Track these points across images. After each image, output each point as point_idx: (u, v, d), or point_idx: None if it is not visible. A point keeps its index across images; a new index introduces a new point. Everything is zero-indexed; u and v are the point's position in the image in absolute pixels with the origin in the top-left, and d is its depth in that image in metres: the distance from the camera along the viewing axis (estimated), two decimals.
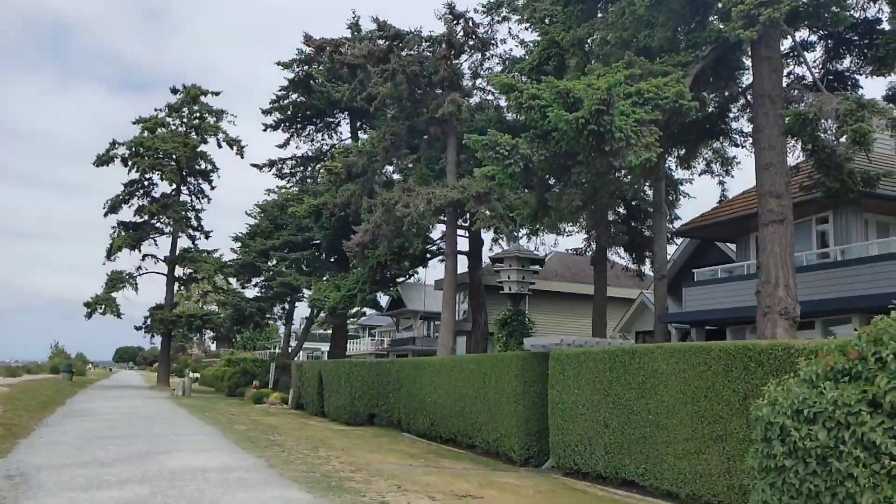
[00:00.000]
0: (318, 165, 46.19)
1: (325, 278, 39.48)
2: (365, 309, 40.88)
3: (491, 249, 33.37)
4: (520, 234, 27.78)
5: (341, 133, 47.24)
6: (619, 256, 33.84)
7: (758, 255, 15.43)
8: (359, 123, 44.98)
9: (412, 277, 37.73)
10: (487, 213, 23.84)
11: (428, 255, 35.11)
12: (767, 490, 8.15)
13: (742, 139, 18.45)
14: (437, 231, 34.27)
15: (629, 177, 14.90)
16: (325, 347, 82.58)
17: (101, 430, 18.56)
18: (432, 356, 23.77)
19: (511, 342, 21.65)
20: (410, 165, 27.92)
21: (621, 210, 28.94)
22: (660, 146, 14.16)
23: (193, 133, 54.82)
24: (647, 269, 34.03)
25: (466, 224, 30.37)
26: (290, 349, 54.48)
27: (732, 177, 21.07)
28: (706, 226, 24.17)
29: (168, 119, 55.14)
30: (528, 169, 14.68)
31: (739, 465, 10.02)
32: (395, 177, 33.77)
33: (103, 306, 50.96)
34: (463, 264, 32.53)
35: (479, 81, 29.36)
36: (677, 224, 28.38)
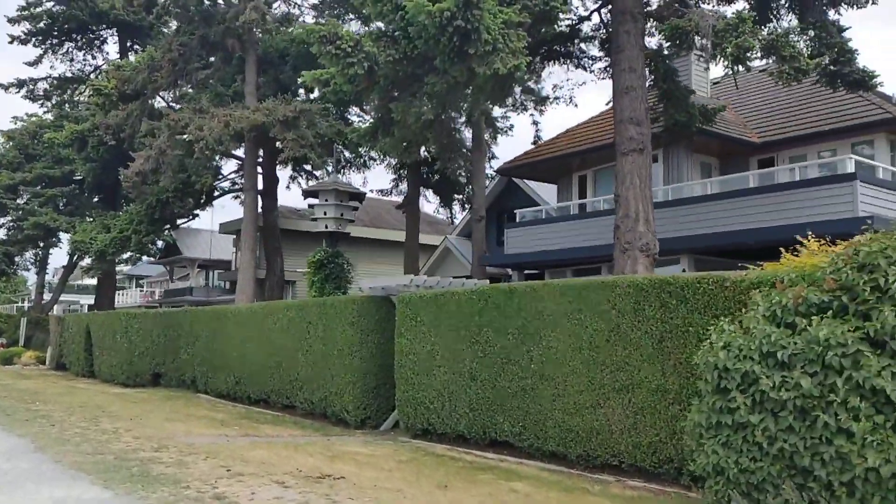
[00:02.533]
0: (82, 87, 39.79)
1: (89, 219, 34.04)
2: (135, 255, 35.83)
3: (288, 188, 30.25)
4: (331, 169, 25.02)
5: (107, 53, 41.08)
6: (426, 200, 32.24)
7: (615, 188, 14.13)
8: (129, 43, 39.17)
9: (195, 218, 33.52)
10: (296, 140, 20.84)
11: (216, 193, 31.20)
12: (720, 451, 6.55)
13: (590, 63, 17.08)
14: (229, 165, 30.54)
15: (481, 92, 12.83)
16: (86, 300, 74.31)
17: None
18: (229, 305, 20.61)
19: (327, 287, 19.10)
20: (199, 85, 23.89)
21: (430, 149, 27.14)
22: (528, 53, 12.22)
23: None
24: (456, 213, 32.79)
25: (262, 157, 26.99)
26: (43, 302, 47.55)
27: (541, 115, 19.79)
28: (531, 163, 22.94)
29: None
30: (372, 73, 12.11)
31: (651, 420, 8.48)
32: (170, 106, 29.37)
33: None
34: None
35: None
36: (495, 165, 27.09)
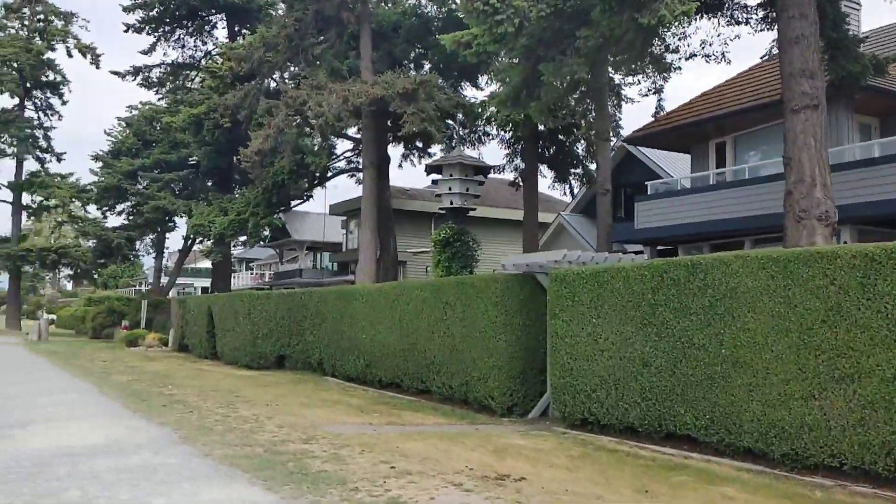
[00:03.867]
0: (193, 73, 40.39)
1: (204, 202, 34.42)
2: (252, 238, 36.06)
3: (400, 167, 29.48)
4: (453, 143, 24.10)
5: (216, 38, 41.41)
6: (541, 175, 30.96)
7: (785, 150, 12.58)
8: (238, 27, 39.34)
9: (309, 200, 33.34)
10: (416, 113, 19.97)
11: (328, 174, 30.86)
12: None
13: (745, 15, 15.41)
14: (341, 145, 30.11)
15: (631, 48, 11.53)
16: (199, 283, 76.76)
17: None
18: (356, 285, 20.03)
19: (454, 265, 18.23)
20: (317, 61, 23.31)
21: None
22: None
23: (38, 38, 46.98)
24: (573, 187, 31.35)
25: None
26: (161, 285, 48.92)
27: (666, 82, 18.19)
28: (660, 132, 21.35)
29: (5, 21, 46.93)
30: (521, 30, 10.99)
31: (885, 416, 7.11)
32: (286, 83, 29.07)
33: None
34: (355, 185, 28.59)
35: None
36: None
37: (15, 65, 44.70)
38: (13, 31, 46.92)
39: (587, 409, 10.56)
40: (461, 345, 13.16)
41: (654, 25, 10.58)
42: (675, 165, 28.85)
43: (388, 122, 25.31)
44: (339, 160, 30.09)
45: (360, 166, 28.42)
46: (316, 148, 25.73)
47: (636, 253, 21.25)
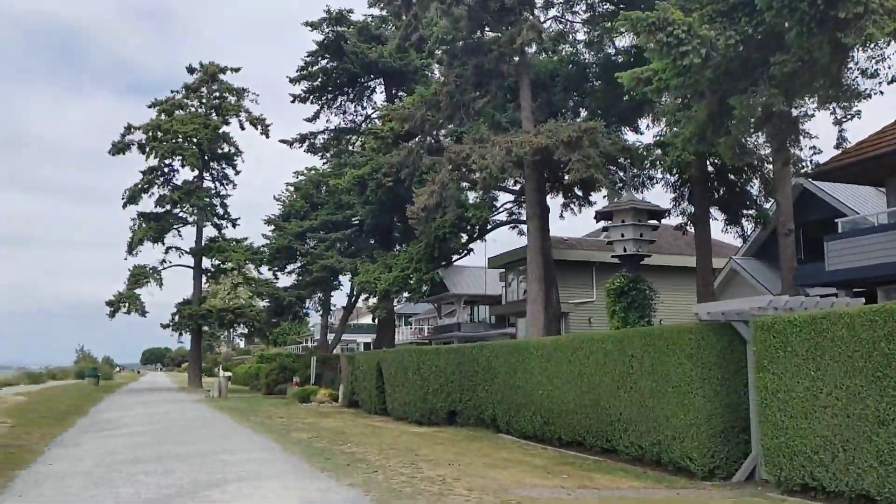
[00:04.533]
0: (353, 137, 42.06)
1: (369, 260, 35.27)
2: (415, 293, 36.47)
3: (561, 217, 28.83)
4: (621, 188, 23.32)
5: (375, 102, 43.03)
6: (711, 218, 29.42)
7: None
8: (395, 90, 40.69)
9: (469, 254, 33.37)
10: (581, 160, 19.45)
11: (488, 227, 30.78)
12: None
13: None
14: (500, 199, 30.02)
15: (826, 73, 10.51)
16: (361, 338, 78.90)
17: (127, 451, 14.49)
18: (530, 339, 19.52)
19: (630, 315, 17.34)
20: (477, 115, 23.43)
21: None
22: None
23: (214, 114, 50.67)
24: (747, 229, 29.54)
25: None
26: (327, 341, 50.46)
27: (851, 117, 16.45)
28: (851, 164, 19.62)
29: (186, 100, 51.00)
30: (707, 61, 10.29)
31: None
32: (446, 140, 29.48)
33: (127, 304, 47.09)
34: (515, 237, 28.18)
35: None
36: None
37: (195, 140, 48.31)
38: (193, 108, 50.87)
39: (808, 474, 9.40)
40: (650, 401, 12.28)
41: (852, 46, 9.60)
42: (860, 201, 26.61)
43: (547, 173, 24.99)
44: (499, 213, 29.97)
45: (521, 217, 28.17)
46: (476, 201, 25.72)
47: (853, 295, 19.48)
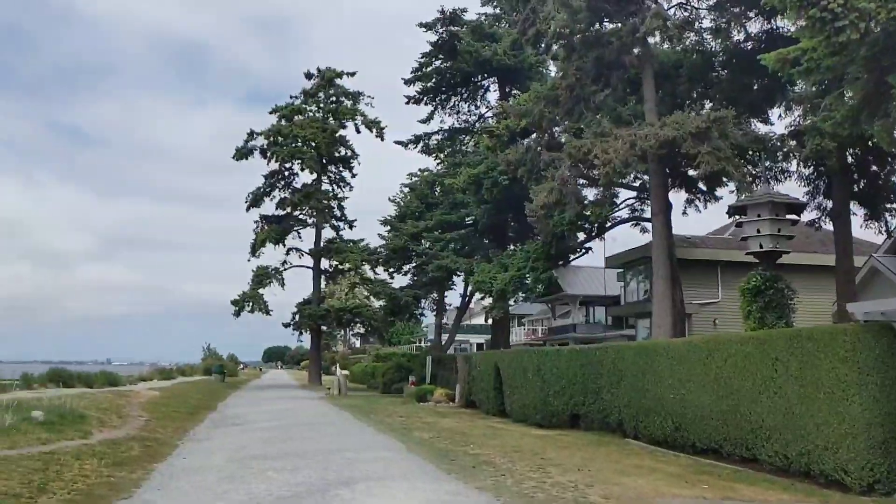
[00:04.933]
0: (467, 138, 42.01)
1: (479, 259, 35.02)
2: (532, 293, 36.00)
3: (684, 213, 27.61)
4: (758, 181, 22.12)
5: (489, 101, 42.81)
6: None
7: None
8: (508, 88, 40.34)
9: (587, 253, 32.60)
10: (712, 152, 18.48)
11: (607, 225, 29.92)
12: None
13: None
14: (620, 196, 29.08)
15: None
16: (474, 339, 78.90)
17: (256, 447, 14.75)
18: (660, 340, 18.73)
19: (768, 316, 16.27)
20: (598, 109, 22.73)
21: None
22: None
23: (331, 118, 51.91)
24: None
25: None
26: (441, 341, 50.61)
27: None
28: None
29: (304, 106, 52.49)
30: (866, 36, 9.39)
31: None
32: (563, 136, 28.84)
33: (251, 303, 48.88)
34: (632, 235, 27.24)
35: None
36: None
37: (313, 143, 49.60)
38: (311, 113, 52.26)
39: None
40: (798, 408, 11.37)
41: None
42: None
43: (670, 168, 23.99)
44: (619, 210, 29.08)
45: (643, 215, 27.20)
46: (597, 198, 25.00)
47: None
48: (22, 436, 13.18)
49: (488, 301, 36.42)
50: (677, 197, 29.43)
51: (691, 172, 24.83)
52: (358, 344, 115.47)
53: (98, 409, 19.51)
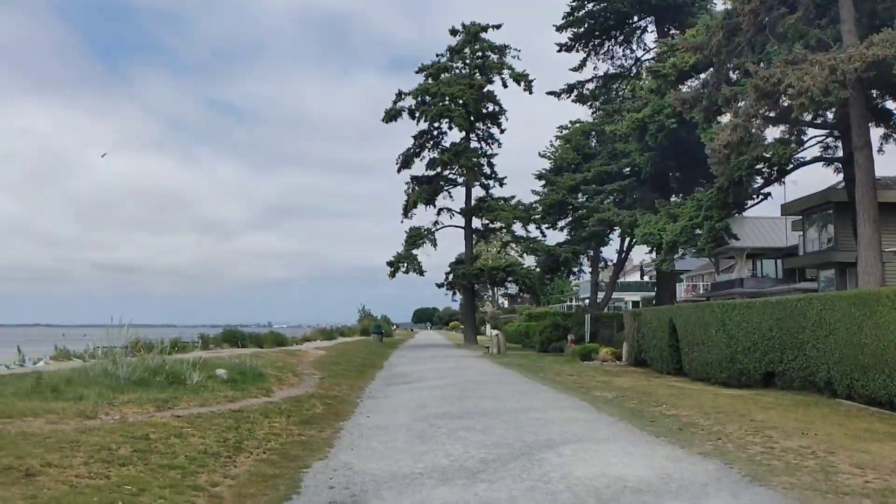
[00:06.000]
0: (624, 83, 39.85)
1: (641, 211, 33.07)
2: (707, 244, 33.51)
3: (880, 151, 24.53)
4: None
5: (645, 43, 40.35)
6: None
7: None
8: (667, 27, 37.73)
9: (765, 199, 30.01)
10: None
11: (788, 167, 27.26)
12: None
13: None
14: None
15: None
16: (629, 297, 76.57)
17: (435, 405, 14.20)
18: (883, 288, 16.64)
19: None
20: (782, 38, 20.37)
21: None
22: None
23: (478, 73, 50.89)
24: None
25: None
26: (597, 299, 49.02)
27: None
28: None
29: (450, 63, 51.71)
30: None
31: None
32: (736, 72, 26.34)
33: (405, 264, 49.22)
34: (823, 176, 24.39)
35: None
36: None
37: (461, 101, 48.83)
38: (457, 70, 51.45)
39: None
40: None
41: None
42: None
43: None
44: (805, 149, 26.33)
45: (833, 155, 24.60)
46: (782, 136, 22.65)
47: None
48: (210, 394, 13.26)
49: (650, 256, 34.54)
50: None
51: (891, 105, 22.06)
52: (506, 304, 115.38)
53: (273, 367, 19.80)
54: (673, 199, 34.84)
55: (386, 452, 9.11)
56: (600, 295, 49.59)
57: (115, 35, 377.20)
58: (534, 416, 12.31)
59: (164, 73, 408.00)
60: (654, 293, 58.46)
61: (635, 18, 38.42)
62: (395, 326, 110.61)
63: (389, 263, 49.68)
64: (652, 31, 39.27)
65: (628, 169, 36.59)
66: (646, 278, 77.62)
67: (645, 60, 39.39)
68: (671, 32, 36.68)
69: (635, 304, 69.50)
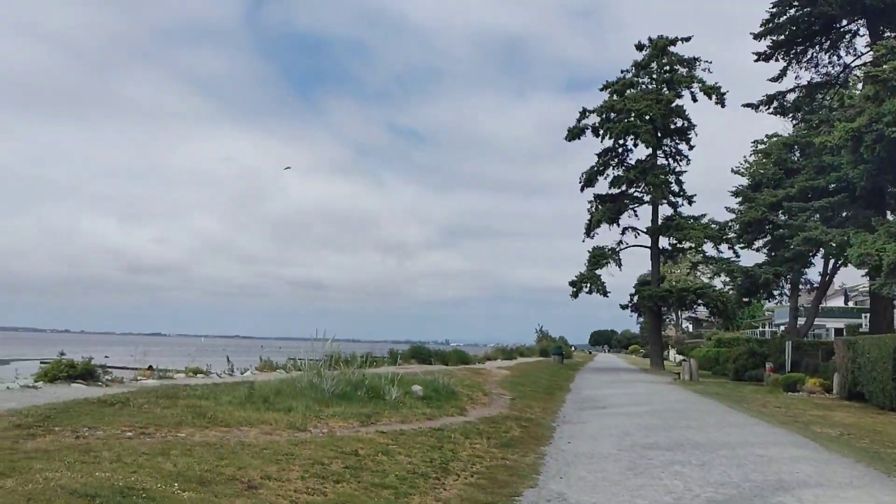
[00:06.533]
0: (829, 92, 36.83)
1: (860, 229, 30.06)
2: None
3: None
4: None
5: (856, 48, 37.10)
6: None
7: None
8: (881, 29, 34.44)
9: None
10: None
11: None
12: None
13: None
14: None
15: None
16: (831, 323, 70.40)
17: (639, 433, 13.39)
18: None
19: None
20: None
21: None
22: None
23: (665, 88, 49.13)
24: None
25: None
26: (797, 325, 45.32)
27: None
28: None
29: (636, 78, 50.32)
30: None
31: None
32: None
33: (588, 284, 48.12)
34: None
35: None
36: None
37: (647, 117, 47.31)
38: (643, 86, 49.97)
39: None
40: None
41: None
42: None
43: None
44: None
45: None
46: None
47: None
48: (409, 410, 13.25)
49: (863, 279, 31.35)
50: None
51: None
52: (690, 328, 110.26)
53: (462, 385, 19.71)
54: (889, 216, 31.60)
55: (598, 484, 8.53)
56: (800, 321, 45.88)
57: (308, 67, 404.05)
58: (753, 451, 11.21)
59: (351, 101, 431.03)
60: (861, 320, 53.38)
61: (844, 22, 35.44)
62: (572, 348, 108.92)
63: (572, 283, 48.79)
64: (864, 35, 36.07)
65: (834, 185, 33.60)
66: (850, 303, 71.24)
67: (855, 67, 36.21)
68: (885, 35, 33.49)
69: (838, 331, 63.85)
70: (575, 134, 49.89)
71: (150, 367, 18.71)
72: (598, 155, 50.43)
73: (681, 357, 58.72)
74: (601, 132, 49.18)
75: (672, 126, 48.94)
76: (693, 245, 46.70)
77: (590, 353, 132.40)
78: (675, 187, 49.18)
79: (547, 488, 8.25)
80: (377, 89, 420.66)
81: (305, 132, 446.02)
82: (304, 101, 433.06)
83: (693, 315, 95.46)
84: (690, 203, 49.34)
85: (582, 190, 50.84)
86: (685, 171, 49.93)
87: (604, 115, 48.70)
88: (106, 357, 32.27)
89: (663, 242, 49.43)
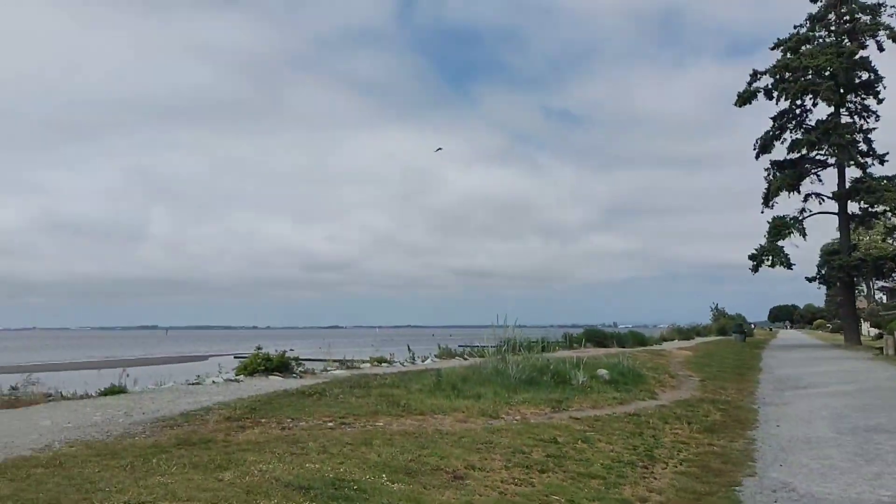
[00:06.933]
0: None
1: None
2: None
3: None
4: None
5: None
6: None
7: None
8: None
9: None
10: None
11: None
12: None
13: None
14: None
15: None
16: None
17: (856, 415, 12.18)
18: None
19: None
20: None
21: None
22: None
23: (846, 39, 45.05)
24: None
25: None
26: None
27: None
28: None
29: (811, 33, 46.47)
30: None
31: None
32: None
33: (769, 257, 45.12)
34: None
35: None
36: None
37: (827, 72, 43.62)
38: (820, 40, 46.11)
39: None
40: None
41: None
42: None
43: None
44: None
45: None
46: None
47: None
48: (598, 395, 12.85)
49: None
50: None
51: None
52: (885, 299, 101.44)
53: (646, 368, 18.99)
54: None
55: (826, 472, 7.74)
56: None
57: (461, 59, 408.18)
58: None
59: (504, 89, 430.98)
60: None
61: None
62: (752, 325, 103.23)
63: (752, 257, 45.98)
64: None
65: None
66: None
67: None
68: None
69: None
70: (746, 99, 46.88)
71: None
72: (773, 119, 47.13)
73: (876, 330, 53.91)
74: (775, 94, 45.91)
75: (857, 80, 44.81)
76: (888, 208, 42.58)
77: (770, 329, 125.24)
78: (863, 146, 45.03)
79: (768, 477, 7.58)
80: (529, 75, 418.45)
81: (461, 123, 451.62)
82: (458, 93, 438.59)
83: (886, 285, 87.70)
84: (882, 163, 45.02)
85: (757, 157, 47.75)
86: (874, 129, 45.58)
87: (777, 76, 45.39)
88: (291, 350, 33.98)
89: (852, 207, 45.49)
